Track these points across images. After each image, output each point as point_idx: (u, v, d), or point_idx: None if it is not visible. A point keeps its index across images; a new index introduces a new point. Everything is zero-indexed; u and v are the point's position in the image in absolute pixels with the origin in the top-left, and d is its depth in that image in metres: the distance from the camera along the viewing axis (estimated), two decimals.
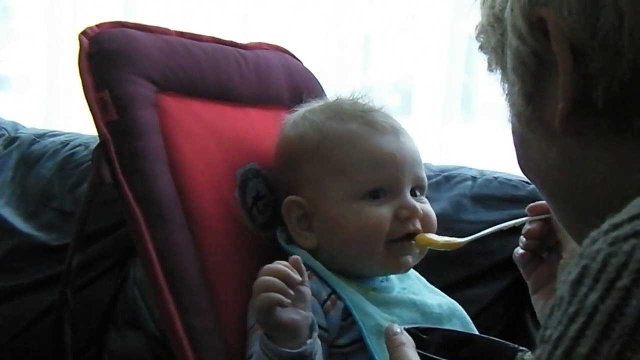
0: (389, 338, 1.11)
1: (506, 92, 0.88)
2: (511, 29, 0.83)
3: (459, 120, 2.64)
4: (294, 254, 1.32)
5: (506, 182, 1.96)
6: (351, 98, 1.46)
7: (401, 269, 1.40)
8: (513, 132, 0.90)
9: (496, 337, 1.76)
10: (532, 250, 1.30)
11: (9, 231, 2.25)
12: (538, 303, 1.30)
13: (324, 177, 1.39)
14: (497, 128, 2.37)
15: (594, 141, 0.79)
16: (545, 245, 1.30)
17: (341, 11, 2.77)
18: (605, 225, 0.64)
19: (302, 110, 1.48)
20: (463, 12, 2.53)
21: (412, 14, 2.75)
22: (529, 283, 1.31)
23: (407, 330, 1.13)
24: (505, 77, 0.87)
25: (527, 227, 1.30)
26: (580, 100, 0.77)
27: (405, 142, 1.40)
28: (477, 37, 0.91)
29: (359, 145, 1.38)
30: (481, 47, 0.91)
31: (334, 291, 1.34)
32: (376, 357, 1.29)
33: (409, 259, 1.39)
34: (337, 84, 2.51)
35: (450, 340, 1.19)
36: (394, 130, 1.40)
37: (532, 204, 1.31)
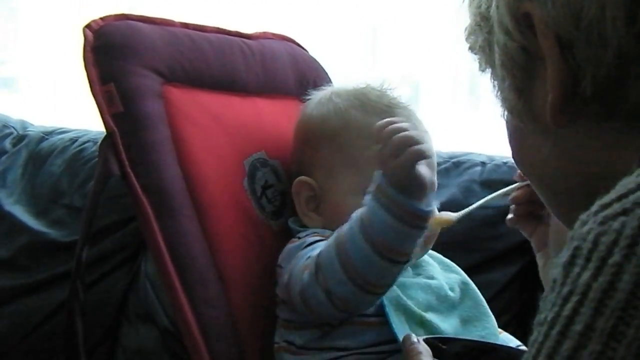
0: (407, 348, 1.12)
1: (497, 88, 0.88)
2: (498, 25, 0.84)
3: (467, 108, 2.63)
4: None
5: (515, 167, 1.95)
6: (380, 88, 1.45)
7: None
8: (507, 127, 0.91)
9: (509, 321, 1.77)
10: (521, 215, 1.30)
11: (19, 229, 2.25)
12: (540, 262, 1.31)
13: (337, 165, 1.39)
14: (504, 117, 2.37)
15: (585, 129, 0.80)
16: (539, 205, 1.31)
17: (349, 3, 2.76)
18: (594, 207, 0.65)
19: (328, 90, 1.48)
20: (469, 2, 2.52)
21: (418, 5, 2.75)
22: (531, 243, 1.32)
23: (426, 340, 1.13)
24: (495, 74, 0.88)
25: (513, 193, 1.31)
26: (569, 91, 0.78)
27: None
28: (466, 39, 0.92)
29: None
30: (471, 48, 0.92)
31: None
32: (395, 329, 1.28)
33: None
34: (345, 76, 2.51)
35: (469, 350, 1.18)
36: None
37: (519, 171, 1.31)
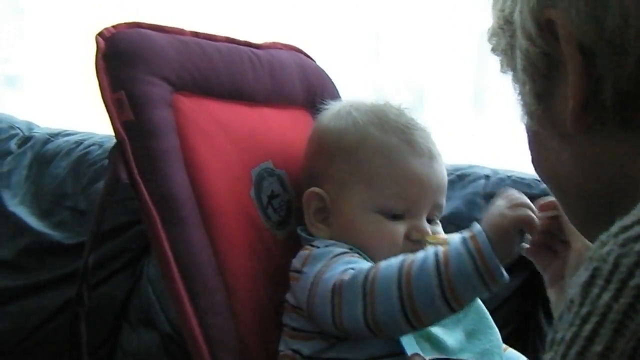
0: None
1: (518, 92, 0.89)
2: (520, 30, 0.84)
3: (471, 117, 2.64)
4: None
5: (519, 181, 1.96)
6: (398, 107, 1.45)
7: None
8: (526, 131, 0.91)
9: (510, 334, 1.78)
10: (539, 245, 1.30)
11: (23, 230, 2.27)
12: (552, 297, 1.31)
13: (350, 179, 1.40)
14: (509, 125, 2.38)
15: (605, 137, 0.80)
16: (557, 239, 1.31)
17: (352, 9, 2.77)
18: (614, 228, 0.65)
19: (346, 103, 1.48)
20: (474, 9, 2.53)
21: (422, 11, 2.75)
22: (544, 277, 1.32)
23: None
24: (516, 77, 0.88)
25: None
26: (590, 98, 0.78)
27: (436, 169, 1.40)
28: (489, 40, 0.93)
29: (393, 162, 1.38)
30: (493, 50, 0.92)
31: None
32: (402, 342, 1.28)
33: None
34: (348, 82, 2.51)
35: None
36: (430, 155, 1.40)
37: (541, 201, 1.31)
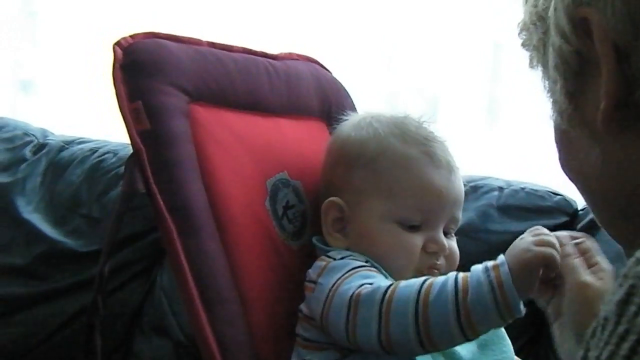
0: None
1: (548, 89, 0.88)
2: (554, 28, 0.83)
3: (485, 128, 2.64)
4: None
5: (533, 193, 1.96)
6: (418, 119, 1.46)
7: None
8: (555, 130, 0.90)
9: (522, 346, 1.77)
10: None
11: (37, 237, 2.27)
12: (555, 332, 1.30)
13: (369, 190, 1.40)
14: (522, 135, 2.38)
15: (635, 141, 0.79)
16: (556, 274, 1.32)
17: (367, 18, 2.77)
18: None
19: (367, 114, 1.49)
20: (489, 19, 2.53)
21: (437, 20, 2.76)
22: (546, 313, 1.32)
23: None
24: (546, 74, 0.88)
25: None
26: (623, 99, 0.77)
27: (454, 182, 1.41)
28: (519, 34, 0.92)
29: (413, 173, 1.39)
30: (523, 44, 0.91)
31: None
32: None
33: None
34: (363, 91, 2.52)
35: None
36: (449, 167, 1.41)
37: None
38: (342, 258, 1.36)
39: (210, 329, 1.32)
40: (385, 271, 1.35)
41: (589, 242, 1.31)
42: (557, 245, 1.22)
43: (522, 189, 1.99)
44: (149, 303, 2.18)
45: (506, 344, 1.41)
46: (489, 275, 1.19)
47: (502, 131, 2.66)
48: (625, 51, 0.76)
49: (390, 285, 1.25)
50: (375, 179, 1.40)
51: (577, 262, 1.27)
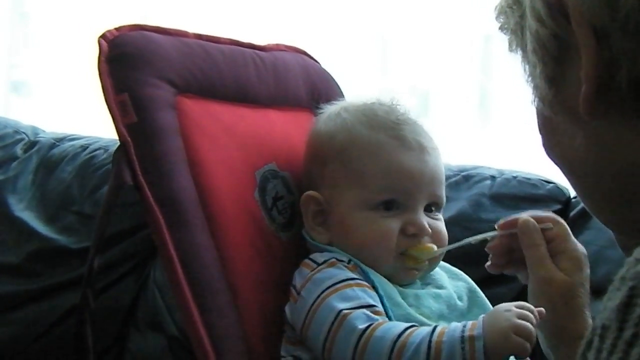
0: None
1: (528, 73, 0.86)
2: (530, 11, 0.81)
3: (476, 120, 2.64)
4: (325, 250, 1.38)
5: (525, 181, 1.96)
6: (389, 103, 1.46)
7: (404, 281, 1.40)
8: (537, 115, 0.88)
9: None
10: (501, 266, 1.33)
11: (29, 235, 2.27)
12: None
13: (342, 180, 1.40)
14: (514, 127, 2.38)
15: (619, 123, 0.78)
16: (510, 260, 1.32)
17: (358, 14, 2.77)
18: None
19: (339, 105, 1.49)
20: (478, 11, 2.53)
21: (428, 15, 2.75)
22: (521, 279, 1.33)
23: None
24: (526, 58, 0.86)
25: (490, 243, 1.32)
26: (604, 82, 0.75)
27: (428, 161, 1.40)
28: (496, 18, 0.90)
29: (381, 158, 1.39)
30: (501, 28, 0.90)
31: (369, 280, 1.35)
32: None
33: (416, 273, 1.40)
34: (355, 86, 2.51)
35: None
36: (420, 148, 1.40)
37: (502, 221, 1.32)
38: (324, 262, 1.36)
39: (201, 321, 1.32)
40: (368, 262, 1.36)
41: (558, 228, 1.29)
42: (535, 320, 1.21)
43: (514, 177, 1.98)
44: (143, 299, 2.17)
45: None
46: (463, 349, 1.20)
47: (495, 122, 2.66)
48: (603, 33, 0.74)
49: (373, 323, 1.26)
50: (346, 170, 1.40)
51: (542, 253, 1.26)
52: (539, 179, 1.94)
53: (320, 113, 1.51)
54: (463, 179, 2.01)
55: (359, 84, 2.63)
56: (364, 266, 1.36)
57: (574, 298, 1.23)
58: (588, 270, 1.27)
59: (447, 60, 2.65)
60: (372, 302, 1.29)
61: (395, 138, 1.40)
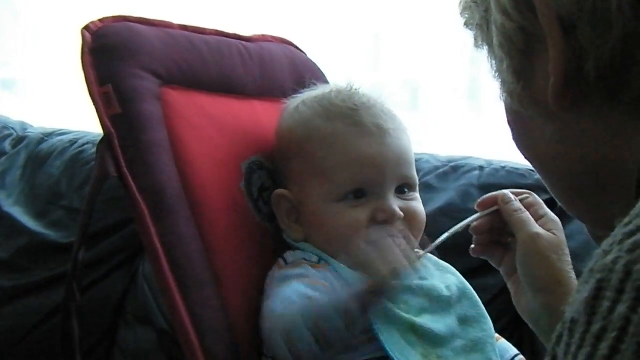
0: None
1: (495, 69, 0.85)
2: (495, 5, 0.80)
3: (466, 112, 2.64)
4: (300, 248, 1.37)
5: (513, 171, 1.96)
6: (347, 90, 1.44)
7: None
8: (506, 110, 0.88)
9: (505, 326, 1.76)
10: (484, 245, 1.33)
11: (18, 230, 2.26)
12: (511, 290, 1.33)
13: (307, 175, 1.39)
14: (504, 119, 2.37)
15: (589, 115, 0.77)
16: (504, 233, 1.32)
17: (351, 8, 2.77)
18: (618, 235, 0.60)
19: (298, 99, 1.48)
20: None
21: (417, 7, 2.75)
22: (501, 272, 1.34)
23: None
24: (492, 53, 0.85)
25: (473, 224, 1.32)
26: (572, 74, 0.75)
27: (390, 144, 1.38)
28: (461, 14, 0.89)
29: (340, 148, 1.37)
30: (466, 24, 0.89)
31: (340, 279, 1.33)
32: (386, 347, 1.27)
33: None
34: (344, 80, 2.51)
35: None
36: (380, 132, 1.38)
37: (480, 200, 1.33)
38: (292, 262, 1.36)
39: (186, 312, 1.32)
40: (339, 250, 1.33)
41: (533, 198, 1.32)
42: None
43: (503, 167, 1.98)
44: (132, 293, 2.17)
45: (487, 322, 1.40)
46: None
47: (485, 114, 2.66)
48: (570, 23, 0.74)
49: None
50: (308, 164, 1.39)
51: (526, 216, 1.27)
52: (528, 169, 1.94)
53: (283, 109, 1.49)
54: (451, 170, 2.01)
55: (351, 78, 2.62)
56: (336, 263, 1.34)
57: (565, 255, 1.26)
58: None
59: (437, 52, 2.65)
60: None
61: (352, 125, 1.38)
